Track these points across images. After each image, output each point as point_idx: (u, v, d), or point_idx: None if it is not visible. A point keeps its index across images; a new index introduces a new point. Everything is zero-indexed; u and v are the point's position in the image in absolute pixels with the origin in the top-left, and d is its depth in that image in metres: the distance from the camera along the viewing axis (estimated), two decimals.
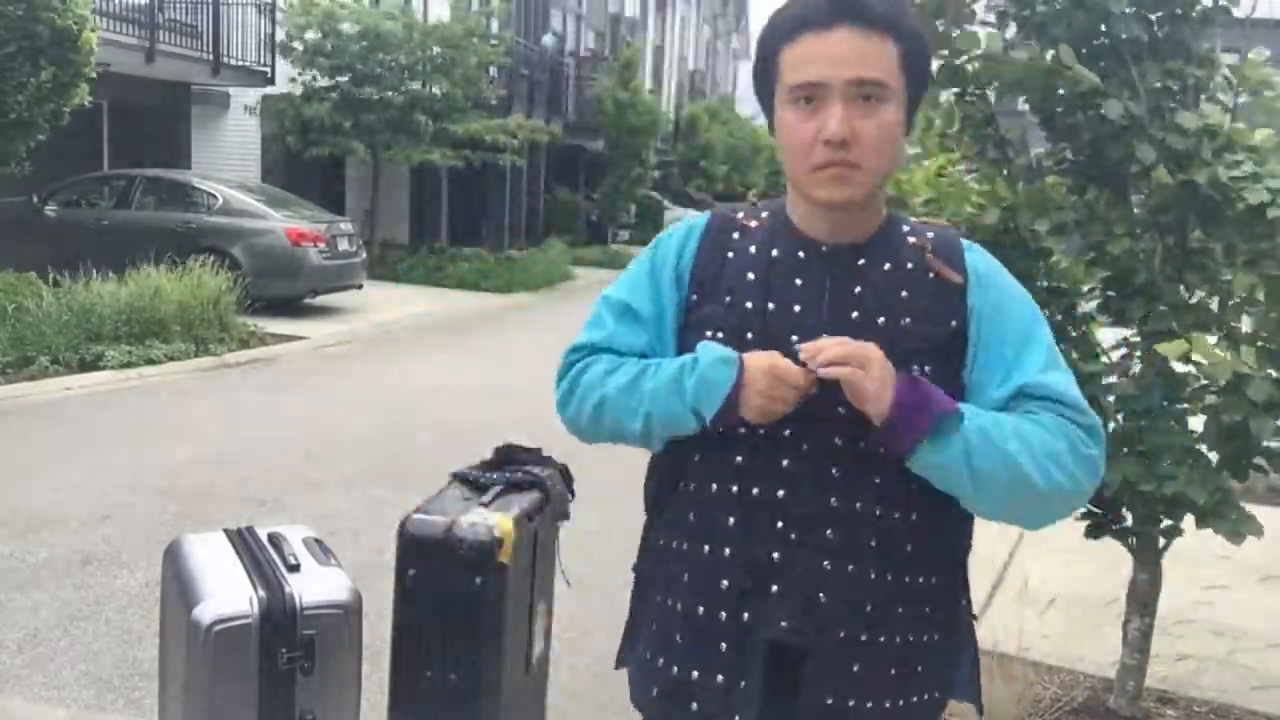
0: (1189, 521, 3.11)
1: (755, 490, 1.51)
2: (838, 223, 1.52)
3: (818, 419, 1.47)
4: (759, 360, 1.43)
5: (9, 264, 10.27)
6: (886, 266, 1.51)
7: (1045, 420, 1.46)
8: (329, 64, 16.00)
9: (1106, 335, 3.35)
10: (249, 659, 2.16)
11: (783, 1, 1.52)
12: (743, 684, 1.53)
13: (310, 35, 15.97)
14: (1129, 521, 3.26)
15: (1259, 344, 2.83)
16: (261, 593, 2.20)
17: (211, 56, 14.93)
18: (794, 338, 1.46)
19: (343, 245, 12.98)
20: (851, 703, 1.52)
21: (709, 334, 1.53)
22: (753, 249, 1.55)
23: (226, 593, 2.19)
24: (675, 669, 1.59)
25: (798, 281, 1.51)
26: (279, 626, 2.18)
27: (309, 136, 15.96)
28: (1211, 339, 2.90)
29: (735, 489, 1.53)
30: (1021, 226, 3.07)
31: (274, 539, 2.43)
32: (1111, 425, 3.17)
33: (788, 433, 1.49)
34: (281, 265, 12.11)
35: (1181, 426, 3.04)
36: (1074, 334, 3.24)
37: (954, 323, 1.50)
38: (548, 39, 23.11)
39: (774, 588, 1.51)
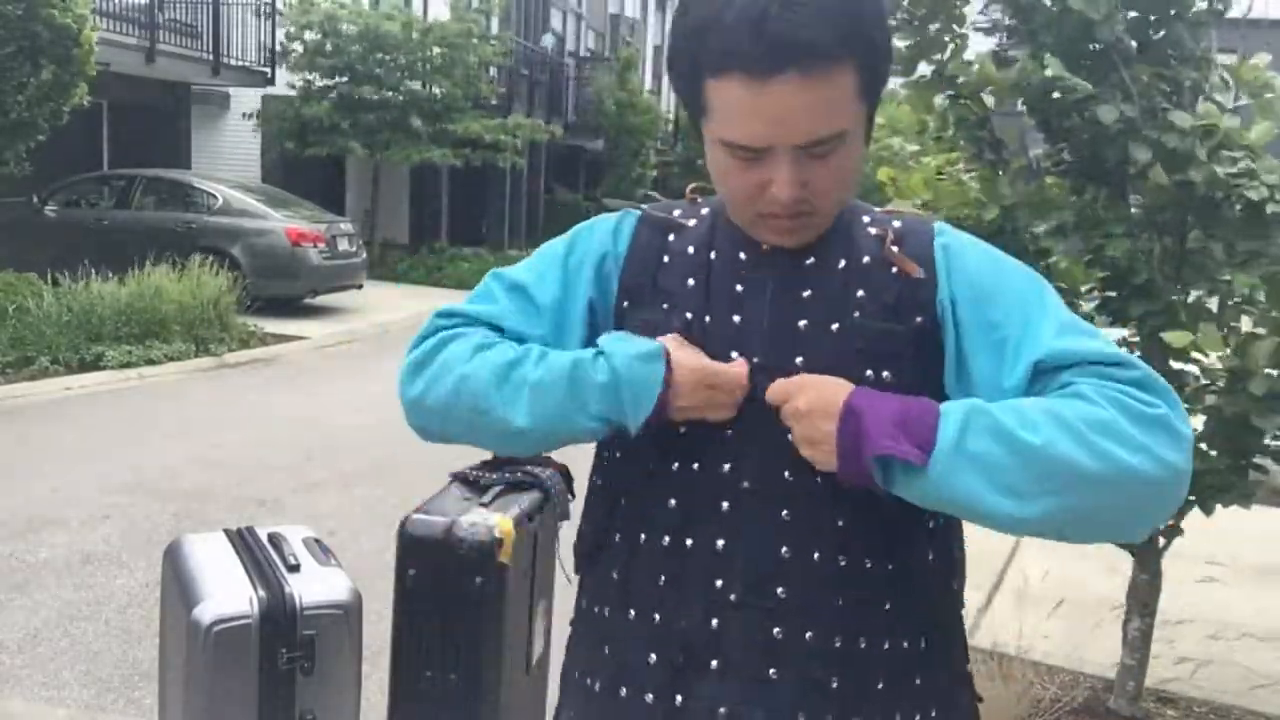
0: (1189, 521, 3.11)
1: (689, 541, 1.23)
2: None
3: (763, 445, 1.20)
4: (688, 362, 1.19)
5: (9, 264, 10.28)
6: (841, 264, 1.24)
7: (1082, 388, 1.12)
8: (328, 64, 15.99)
9: (1107, 335, 3.35)
10: (249, 659, 2.16)
11: None
12: None
13: (310, 36, 15.96)
14: None
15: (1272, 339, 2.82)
16: (261, 593, 2.20)
17: (211, 56, 14.94)
18: (733, 354, 1.22)
19: (343, 245, 12.98)
20: None
21: None
22: (690, 249, 1.29)
23: (226, 593, 2.19)
24: None
25: (739, 288, 1.25)
26: (279, 626, 2.18)
27: (307, 137, 15.95)
28: (1217, 332, 2.91)
29: (666, 540, 1.24)
30: (1020, 228, 3.07)
31: (274, 539, 2.43)
32: None
33: (727, 467, 1.21)
34: (281, 265, 12.11)
35: None
36: None
37: (919, 319, 1.22)
38: (548, 39, 23.11)
39: (713, 663, 1.22)
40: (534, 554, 2.67)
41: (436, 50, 16.43)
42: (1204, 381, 3.08)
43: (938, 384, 1.22)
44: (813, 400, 1.14)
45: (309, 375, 9.66)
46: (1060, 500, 1.08)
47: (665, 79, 35.96)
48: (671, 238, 1.31)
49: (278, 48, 15.98)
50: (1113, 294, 3.15)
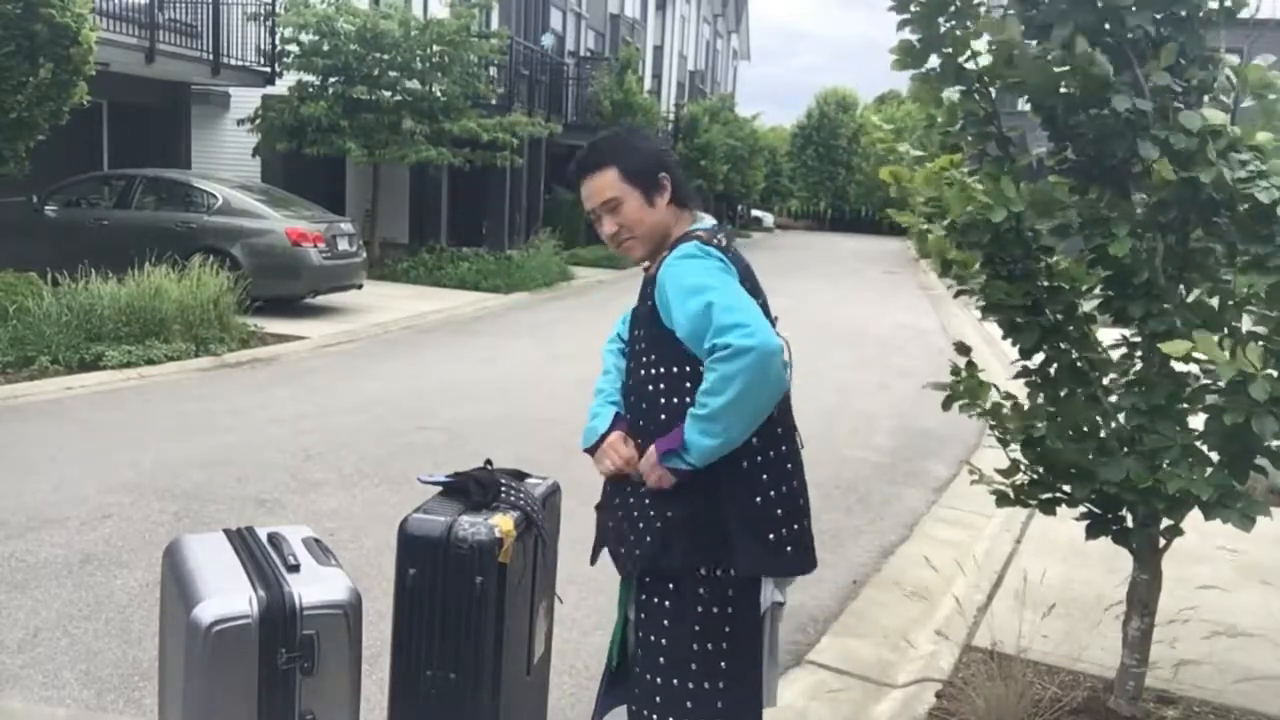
0: (1190, 521, 3.10)
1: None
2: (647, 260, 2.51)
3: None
4: (611, 438, 2.47)
5: (9, 264, 10.27)
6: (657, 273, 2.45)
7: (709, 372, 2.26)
8: (324, 64, 15.95)
9: (1108, 335, 3.34)
10: (249, 659, 2.15)
11: None
12: None
13: (306, 37, 15.93)
14: (1129, 522, 3.26)
15: (1262, 343, 2.82)
16: (261, 593, 2.19)
17: (211, 56, 14.94)
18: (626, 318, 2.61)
19: (343, 245, 12.97)
20: None
21: None
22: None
23: (226, 593, 2.19)
24: None
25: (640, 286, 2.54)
26: (279, 626, 2.17)
27: (306, 136, 15.92)
28: (1214, 338, 2.89)
29: None
30: (1024, 226, 3.06)
31: (274, 539, 2.43)
32: (1113, 424, 3.16)
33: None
34: (281, 265, 12.11)
35: (1183, 426, 3.03)
36: (1074, 334, 3.23)
37: (649, 302, 2.41)
38: (547, 39, 23.08)
39: None
40: (535, 554, 2.67)
41: (436, 48, 16.41)
42: (1205, 381, 3.07)
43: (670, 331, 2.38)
44: (650, 468, 2.38)
45: (309, 375, 9.65)
46: (740, 426, 2.26)
47: (665, 79, 35.98)
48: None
49: (274, 48, 15.95)
50: (1113, 294, 3.15)
